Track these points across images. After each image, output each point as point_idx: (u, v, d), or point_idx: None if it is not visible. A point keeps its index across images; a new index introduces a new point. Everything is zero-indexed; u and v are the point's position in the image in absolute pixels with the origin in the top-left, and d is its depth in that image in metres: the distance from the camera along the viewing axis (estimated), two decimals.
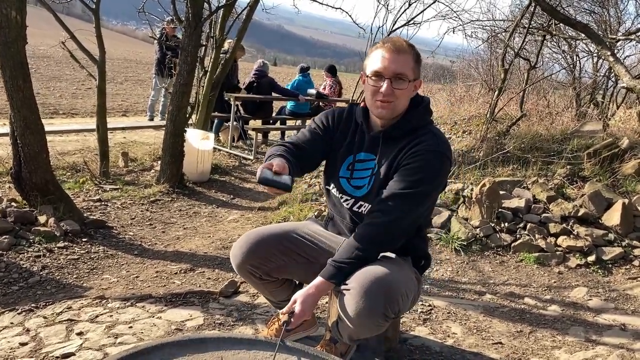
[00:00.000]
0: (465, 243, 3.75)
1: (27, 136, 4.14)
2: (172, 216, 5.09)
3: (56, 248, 3.88)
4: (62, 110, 10.81)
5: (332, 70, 10.27)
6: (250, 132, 8.48)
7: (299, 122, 10.16)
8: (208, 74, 6.65)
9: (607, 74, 9.49)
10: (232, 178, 6.67)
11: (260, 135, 8.78)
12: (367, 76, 1.90)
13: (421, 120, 1.95)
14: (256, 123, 9.20)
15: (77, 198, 5.19)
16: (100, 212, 4.93)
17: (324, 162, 2.17)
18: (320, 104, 9.75)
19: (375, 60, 1.87)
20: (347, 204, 2.07)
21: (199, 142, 6.14)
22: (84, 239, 4.12)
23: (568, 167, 4.37)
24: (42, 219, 4.13)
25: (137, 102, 13.11)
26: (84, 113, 10.64)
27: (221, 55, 7.07)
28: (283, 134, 9.84)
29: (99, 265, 3.76)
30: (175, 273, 3.64)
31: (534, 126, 5.55)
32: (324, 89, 9.97)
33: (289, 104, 9.47)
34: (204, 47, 6.98)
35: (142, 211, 5.13)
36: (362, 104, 2.03)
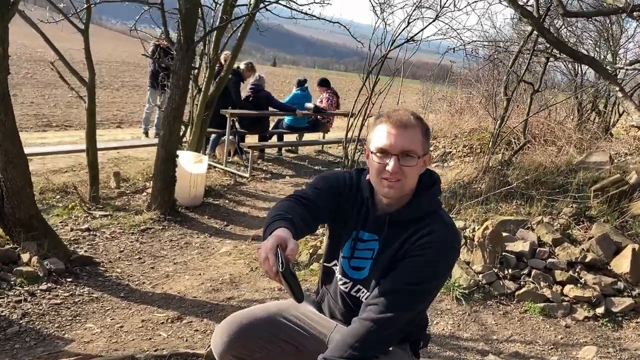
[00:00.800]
0: (467, 291, 3.58)
1: (9, 170, 3.95)
2: (162, 248, 4.91)
3: (39, 291, 3.70)
4: (55, 122, 10.61)
5: (324, 83, 10.05)
6: (246, 148, 8.29)
7: (296, 137, 10.00)
8: (202, 93, 6.46)
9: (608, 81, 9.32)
10: (227, 201, 6.49)
11: (256, 152, 8.60)
12: (372, 152, 1.73)
13: (432, 205, 1.80)
14: (253, 138, 9.02)
15: (65, 227, 5.03)
16: (88, 244, 4.75)
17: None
18: (319, 117, 9.56)
19: (380, 135, 1.71)
20: (346, 287, 1.90)
21: (191, 165, 5.96)
22: (68, 279, 3.94)
23: (574, 205, 4.19)
24: (25, 257, 3.95)
25: (132, 111, 12.91)
26: (77, 125, 10.43)
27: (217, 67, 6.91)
28: (280, 148, 9.66)
29: (83, 311, 3.59)
30: (162, 322, 3.47)
31: (538, 155, 5.37)
32: (321, 102, 9.78)
33: (286, 118, 9.29)
34: (197, 65, 6.80)
35: (131, 242, 4.95)
36: (367, 176, 1.84)
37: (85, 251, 4.59)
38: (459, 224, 4.11)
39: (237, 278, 4.17)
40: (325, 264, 2.01)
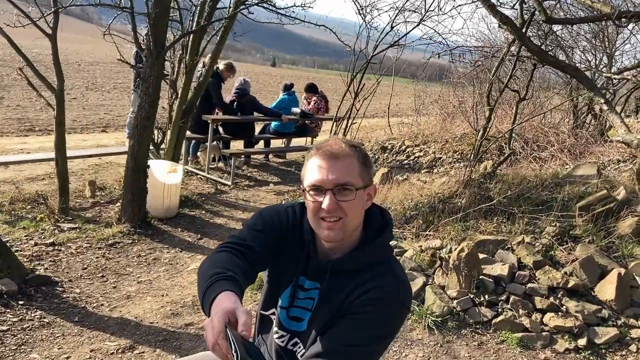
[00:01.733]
0: (440, 320, 3.33)
1: None
2: (128, 264, 4.68)
3: None
4: (38, 126, 10.40)
5: (312, 89, 9.82)
6: (228, 155, 8.05)
7: (284, 141, 9.77)
8: (178, 99, 6.23)
9: (604, 84, 9.11)
10: (203, 212, 6.25)
11: (238, 160, 8.39)
12: (305, 190, 1.52)
13: (381, 254, 1.57)
14: (238, 144, 8.80)
15: (29, 241, 4.82)
16: (51, 260, 4.54)
17: None
18: (307, 122, 9.33)
19: (312, 170, 1.51)
20: (282, 341, 1.66)
21: (165, 175, 5.72)
22: (20, 302, 3.72)
23: (557, 224, 3.94)
24: None
25: (120, 114, 12.68)
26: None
27: (198, 71, 6.68)
28: (268, 143, 9.44)
29: (30, 338, 3.36)
30: (112, 353, 3.24)
31: (523, 167, 5.12)
32: (309, 105, 9.56)
33: (273, 123, 9.06)
34: (175, 71, 6.58)
35: (97, 257, 4.73)
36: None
37: (46, 269, 4.37)
38: (435, 242, 3.87)
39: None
40: (262, 311, 1.76)
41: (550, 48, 6.81)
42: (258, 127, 9.59)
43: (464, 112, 9.84)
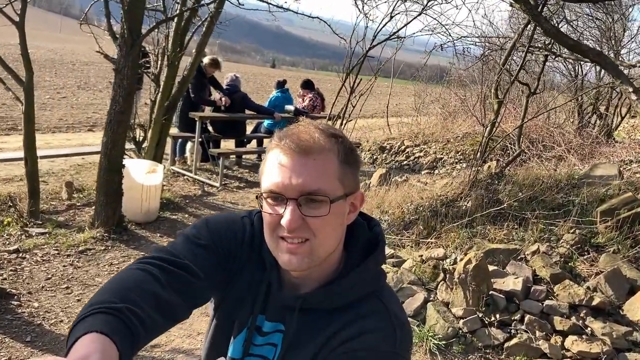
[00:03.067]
0: (444, 343, 2.87)
1: None
2: (98, 273, 4.26)
3: None
4: (21, 125, 9.94)
5: (308, 85, 9.37)
6: (216, 155, 7.60)
7: None
8: (160, 94, 5.80)
9: (611, 83, 8.81)
10: (186, 215, 5.82)
11: (229, 160, 7.95)
12: (260, 196, 1.05)
13: (370, 284, 1.09)
14: (229, 143, 8.37)
15: None
16: (12, 269, 4.13)
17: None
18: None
19: (271, 170, 1.03)
20: None
21: (144, 176, 5.28)
22: None
23: (577, 231, 3.49)
24: None
25: None
26: (45, 129, 9.87)
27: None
28: (260, 143, 9.00)
29: None
30: None
31: (534, 167, 4.68)
32: (304, 102, 9.13)
33: (266, 122, 8.66)
34: (159, 64, 6.16)
35: (64, 266, 4.32)
36: None
37: (5, 279, 3.96)
38: (437, 252, 3.41)
39: None
40: None
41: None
42: (250, 127, 9.17)
43: (467, 109, 9.45)
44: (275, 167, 1.01)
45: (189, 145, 7.87)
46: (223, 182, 7.14)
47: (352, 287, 1.06)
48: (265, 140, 9.16)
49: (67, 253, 4.53)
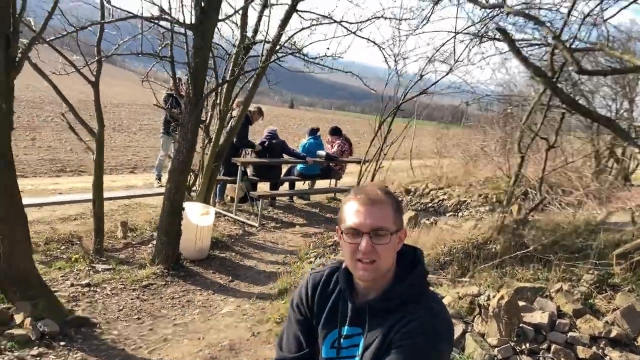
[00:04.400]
0: None
1: (8, 227, 3.84)
2: (163, 306, 4.73)
3: (29, 357, 3.53)
4: (70, 167, 10.67)
5: (336, 132, 10.06)
6: (256, 197, 8.17)
7: (308, 183, 9.91)
8: (212, 143, 6.39)
9: (628, 129, 9.13)
10: (233, 254, 6.31)
11: (266, 201, 8.49)
12: (343, 232, 1.61)
13: (416, 289, 1.62)
14: (264, 185, 8.94)
15: (65, 281, 4.90)
16: (87, 301, 4.60)
17: None
18: (331, 164, 9.49)
19: (349, 214, 1.59)
20: None
21: (198, 217, 5.82)
22: (62, 343, 3.78)
23: (595, 272, 3.93)
24: (18, 317, 3.81)
25: (147, 155, 12.96)
26: (92, 170, 10.42)
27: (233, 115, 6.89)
28: (292, 185, 9.57)
29: None
30: None
31: (555, 213, 5.14)
32: (333, 147, 9.75)
33: (298, 166, 9.23)
34: (209, 116, 6.77)
35: (132, 299, 4.78)
36: (344, 265, 1.70)
37: (84, 309, 4.44)
38: (472, 289, 3.88)
39: (237, 345, 3.96)
40: None
41: (570, 91, 6.92)
42: (283, 169, 9.75)
43: (488, 155, 9.90)
44: (353, 213, 1.58)
45: (228, 187, 8.46)
46: (261, 223, 7.66)
47: (404, 290, 1.59)
48: (298, 183, 9.74)
49: (132, 287, 4.99)
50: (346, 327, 1.66)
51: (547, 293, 3.79)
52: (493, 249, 4.43)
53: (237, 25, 6.52)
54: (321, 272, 1.79)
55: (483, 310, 3.63)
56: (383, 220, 1.56)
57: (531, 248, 4.12)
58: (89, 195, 6.92)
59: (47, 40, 4.83)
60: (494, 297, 3.59)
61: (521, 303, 3.64)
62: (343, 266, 1.71)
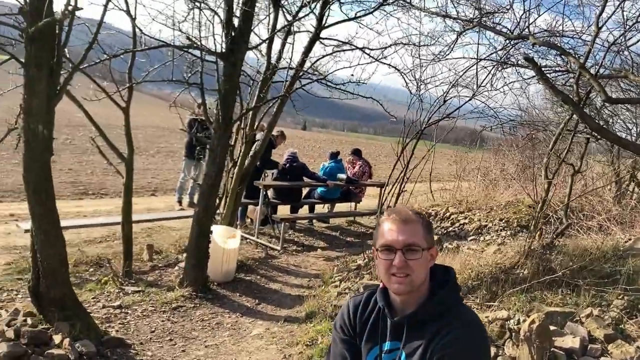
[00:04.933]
0: None
1: (47, 250, 3.97)
2: (193, 328, 4.80)
3: None
4: (91, 190, 10.83)
5: (357, 153, 10.24)
6: (278, 220, 8.28)
7: (328, 206, 10.01)
8: (237, 167, 6.53)
9: None
10: (258, 277, 6.39)
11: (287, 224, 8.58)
12: (377, 250, 1.75)
13: (449, 302, 1.74)
14: (284, 208, 9.04)
15: (97, 303, 4.99)
16: (120, 323, 4.68)
17: None
18: (351, 187, 9.59)
19: (384, 233, 1.74)
20: None
21: (224, 240, 5.92)
22: None
23: (626, 297, 3.96)
24: (57, 338, 3.90)
25: (166, 178, 13.13)
26: (113, 193, 10.60)
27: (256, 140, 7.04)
28: (312, 208, 9.66)
29: None
30: None
31: (582, 238, 5.17)
32: (354, 168, 9.88)
33: (319, 189, 9.33)
34: (234, 140, 6.91)
35: (163, 321, 4.86)
36: (381, 285, 1.83)
37: (117, 331, 4.52)
38: (501, 313, 3.92)
39: None
40: None
41: (595, 116, 6.97)
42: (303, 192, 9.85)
43: (507, 179, 9.93)
44: (387, 231, 1.72)
45: (249, 209, 8.59)
46: (283, 246, 7.75)
47: (438, 303, 1.71)
48: (317, 206, 9.83)
49: (162, 309, 5.08)
50: (387, 342, 1.78)
51: (577, 318, 3.83)
52: (521, 274, 4.47)
53: (261, 53, 6.72)
54: (360, 295, 1.92)
55: (514, 335, 3.67)
56: (414, 237, 1.70)
57: (560, 273, 4.16)
58: (115, 218, 7.09)
59: (81, 68, 5.02)
60: (524, 321, 3.63)
61: (552, 327, 3.68)
62: (380, 286, 1.84)
